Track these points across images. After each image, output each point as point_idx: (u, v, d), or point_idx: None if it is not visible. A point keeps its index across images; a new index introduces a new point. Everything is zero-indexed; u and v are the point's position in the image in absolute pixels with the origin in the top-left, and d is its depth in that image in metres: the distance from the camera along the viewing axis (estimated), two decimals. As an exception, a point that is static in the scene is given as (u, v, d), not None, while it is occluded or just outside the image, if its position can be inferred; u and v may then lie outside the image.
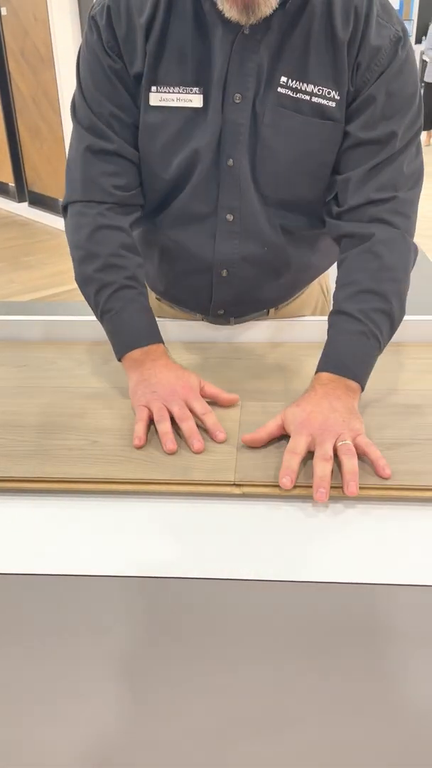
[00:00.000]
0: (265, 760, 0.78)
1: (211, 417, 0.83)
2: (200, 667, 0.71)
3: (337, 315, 0.89)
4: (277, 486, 0.74)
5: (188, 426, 0.82)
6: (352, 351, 0.86)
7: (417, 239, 0.95)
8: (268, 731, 0.76)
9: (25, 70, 4.41)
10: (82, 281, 0.96)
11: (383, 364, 0.91)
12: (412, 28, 12.09)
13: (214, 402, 0.88)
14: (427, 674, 0.70)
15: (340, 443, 0.76)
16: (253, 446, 0.81)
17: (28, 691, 0.75)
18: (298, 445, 0.76)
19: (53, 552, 0.67)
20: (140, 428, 0.82)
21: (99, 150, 0.94)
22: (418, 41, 11.82)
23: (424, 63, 11.50)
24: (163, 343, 0.93)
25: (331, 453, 0.75)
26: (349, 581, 0.62)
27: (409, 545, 0.67)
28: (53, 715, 0.77)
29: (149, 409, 0.84)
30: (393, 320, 0.89)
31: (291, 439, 0.77)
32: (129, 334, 0.93)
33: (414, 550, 0.66)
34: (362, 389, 0.86)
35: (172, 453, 0.79)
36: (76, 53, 0.96)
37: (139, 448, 0.81)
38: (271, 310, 1.15)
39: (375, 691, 0.71)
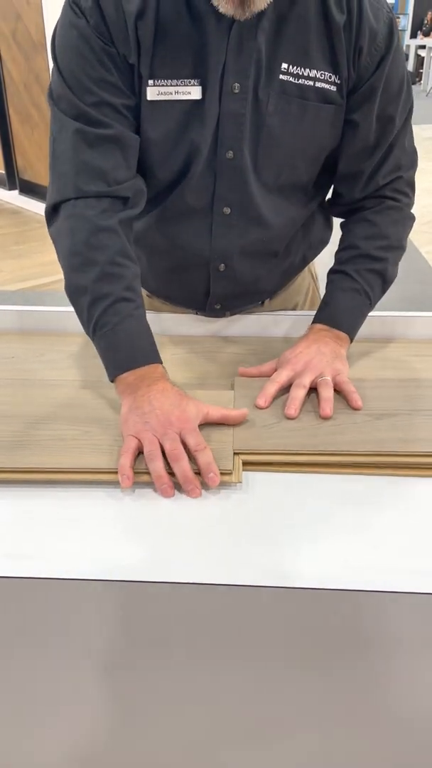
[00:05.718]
0: None
1: (204, 455, 0.75)
2: (191, 673, 0.69)
3: (335, 273, 1.00)
4: (273, 465, 0.77)
5: (181, 468, 0.74)
6: (344, 305, 0.97)
7: (411, 235, 1.05)
8: (260, 740, 0.74)
9: (17, 55, 4.34)
10: (75, 291, 0.87)
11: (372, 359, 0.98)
12: (407, 23, 12.09)
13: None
14: (423, 681, 0.68)
15: (320, 379, 0.86)
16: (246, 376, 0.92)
17: (10, 698, 0.73)
18: (279, 375, 0.87)
19: (37, 552, 0.65)
20: (126, 461, 0.74)
21: (94, 137, 0.87)
22: (414, 35, 11.82)
23: (419, 58, 11.50)
24: (161, 363, 0.86)
25: (306, 384, 0.85)
26: (348, 588, 0.61)
27: (409, 553, 0.66)
28: (37, 723, 0.75)
29: (139, 440, 0.77)
30: (385, 279, 1.00)
31: (275, 372, 0.88)
32: (125, 353, 0.84)
33: (414, 558, 0.65)
34: (351, 340, 0.97)
35: (169, 497, 0.73)
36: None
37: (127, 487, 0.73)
38: (266, 300, 1.14)
39: (370, 700, 0.70)
